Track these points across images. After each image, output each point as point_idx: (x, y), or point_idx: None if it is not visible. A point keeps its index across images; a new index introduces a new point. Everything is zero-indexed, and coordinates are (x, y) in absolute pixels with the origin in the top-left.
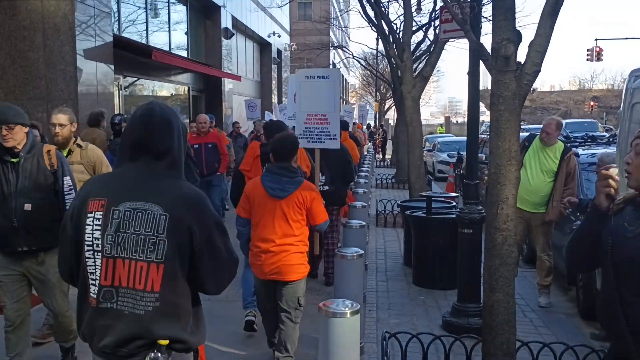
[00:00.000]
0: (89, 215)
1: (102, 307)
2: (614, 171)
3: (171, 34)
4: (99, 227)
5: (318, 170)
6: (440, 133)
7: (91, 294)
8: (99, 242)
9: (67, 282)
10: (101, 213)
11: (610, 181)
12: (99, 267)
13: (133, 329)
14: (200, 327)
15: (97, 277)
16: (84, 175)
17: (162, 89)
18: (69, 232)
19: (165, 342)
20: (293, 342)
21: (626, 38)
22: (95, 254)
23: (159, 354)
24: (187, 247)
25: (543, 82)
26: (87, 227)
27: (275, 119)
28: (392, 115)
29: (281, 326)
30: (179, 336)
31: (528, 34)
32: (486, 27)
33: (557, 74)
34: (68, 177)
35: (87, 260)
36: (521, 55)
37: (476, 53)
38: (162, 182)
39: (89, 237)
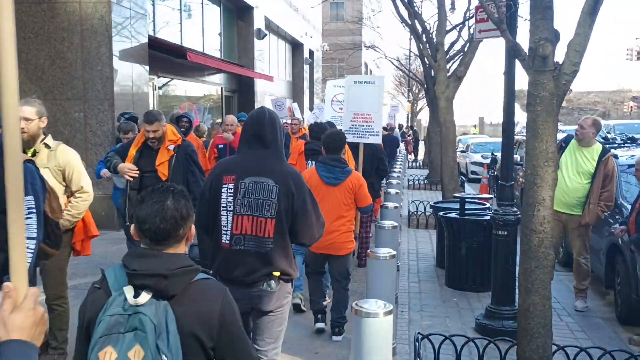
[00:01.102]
0: (223, 185)
1: (234, 249)
2: None
3: (205, 34)
4: (231, 194)
5: (361, 163)
6: (474, 134)
7: (224, 241)
8: (231, 204)
9: (202, 233)
10: (232, 184)
11: None
12: (230, 222)
13: (258, 262)
14: (296, 266)
15: (229, 228)
16: (49, 181)
17: (196, 89)
18: (207, 196)
19: (277, 273)
20: (345, 305)
21: None
22: (228, 212)
23: (272, 281)
24: (290, 208)
25: (581, 83)
26: (222, 193)
27: (302, 117)
28: (423, 116)
29: (335, 294)
30: (286, 269)
31: (565, 33)
32: (522, 27)
33: (596, 74)
34: (31, 198)
35: (221, 216)
36: (559, 55)
37: (512, 53)
38: (272, 163)
39: (224, 201)
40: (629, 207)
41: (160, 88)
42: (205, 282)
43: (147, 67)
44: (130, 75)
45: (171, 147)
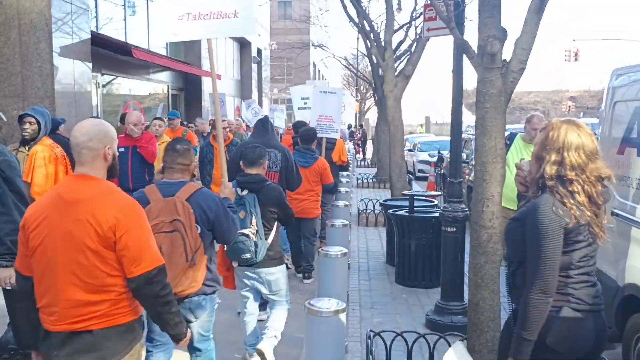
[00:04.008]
0: None
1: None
2: (522, 164)
3: (150, 31)
4: None
5: (324, 152)
6: (420, 133)
7: None
8: None
9: None
10: None
11: (519, 172)
12: None
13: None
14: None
15: None
16: None
17: (141, 87)
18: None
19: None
20: (312, 256)
21: (603, 39)
22: None
23: None
24: (285, 167)
25: (521, 83)
26: None
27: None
28: (372, 115)
29: (305, 248)
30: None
31: (510, 32)
32: (468, 27)
33: (535, 74)
34: None
35: None
36: (505, 53)
37: (461, 50)
38: (274, 141)
39: None
40: None
41: (104, 86)
42: (272, 185)
43: (90, 65)
44: (72, 73)
45: None
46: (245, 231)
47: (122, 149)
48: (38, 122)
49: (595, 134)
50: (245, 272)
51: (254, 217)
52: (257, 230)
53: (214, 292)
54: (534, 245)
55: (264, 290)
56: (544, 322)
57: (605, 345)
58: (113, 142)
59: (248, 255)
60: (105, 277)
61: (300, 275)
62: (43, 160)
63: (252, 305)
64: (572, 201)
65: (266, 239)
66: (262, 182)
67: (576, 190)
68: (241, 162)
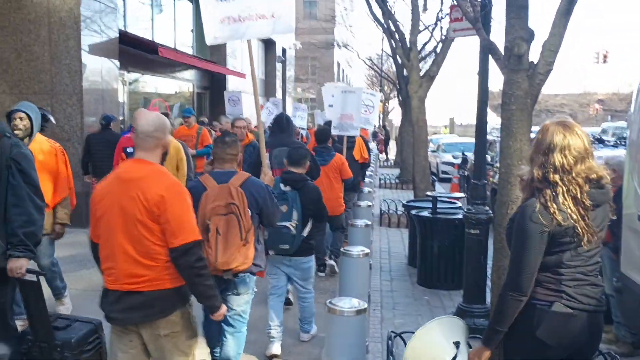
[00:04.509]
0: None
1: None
2: (524, 172)
3: (176, 30)
4: (268, 158)
5: (345, 150)
6: (444, 134)
7: None
8: (269, 165)
9: None
10: (268, 154)
11: (521, 181)
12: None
13: None
14: None
15: None
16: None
17: (167, 85)
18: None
19: None
20: (341, 242)
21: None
22: (268, 168)
23: None
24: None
25: (548, 85)
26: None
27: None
28: (395, 116)
29: (334, 238)
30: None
31: (536, 34)
32: (494, 29)
33: (562, 77)
34: None
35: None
36: (532, 55)
37: (488, 51)
38: (288, 139)
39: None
40: None
41: (130, 84)
42: (311, 184)
43: (117, 62)
44: (99, 70)
45: None
46: (287, 224)
47: (131, 149)
48: (29, 118)
49: (624, 137)
50: (282, 261)
51: (294, 212)
52: (297, 224)
53: (256, 274)
54: (513, 248)
55: (297, 277)
56: (536, 316)
57: (597, 347)
58: (168, 133)
59: (286, 246)
60: (152, 245)
61: (322, 274)
62: (42, 155)
63: (281, 290)
64: (554, 205)
65: (302, 232)
66: (303, 181)
67: (560, 192)
68: (285, 160)
